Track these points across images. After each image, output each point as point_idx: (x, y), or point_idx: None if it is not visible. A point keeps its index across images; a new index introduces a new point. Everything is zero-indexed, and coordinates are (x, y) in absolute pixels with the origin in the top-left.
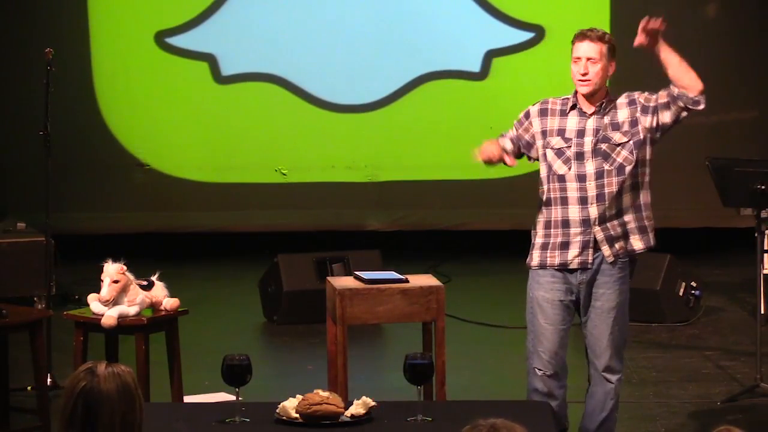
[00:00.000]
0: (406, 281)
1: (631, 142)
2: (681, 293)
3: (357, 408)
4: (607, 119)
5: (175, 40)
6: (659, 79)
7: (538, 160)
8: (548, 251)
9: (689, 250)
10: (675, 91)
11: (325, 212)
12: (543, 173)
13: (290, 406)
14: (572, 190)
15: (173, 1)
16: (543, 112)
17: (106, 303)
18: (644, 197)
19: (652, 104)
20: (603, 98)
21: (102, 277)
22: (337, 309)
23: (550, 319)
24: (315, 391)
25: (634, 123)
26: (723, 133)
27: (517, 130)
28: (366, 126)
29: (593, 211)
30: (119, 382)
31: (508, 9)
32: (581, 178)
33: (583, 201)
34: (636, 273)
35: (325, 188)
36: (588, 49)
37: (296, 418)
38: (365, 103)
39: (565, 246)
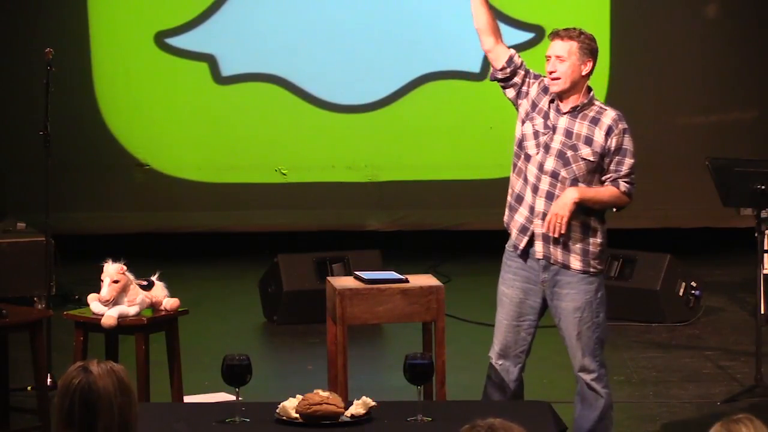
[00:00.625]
0: (406, 281)
1: (594, 164)
2: (681, 293)
3: (357, 408)
4: (582, 129)
5: (175, 41)
6: (659, 79)
7: (510, 99)
8: (514, 214)
9: (689, 250)
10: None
11: (325, 212)
12: (518, 134)
13: (290, 406)
14: (531, 174)
15: (173, 1)
16: (545, 90)
17: (106, 303)
18: (594, 224)
19: (611, 162)
20: (579, 101)
21: (102, 277)
22: (337, 309)
23: (505, 314)
24: (315, 391)
25: (602, 151)
26: (723, 133)
27: (525, 69)
28: (366, 126)
29: (539, 204)
30: (114, 376)
31: (508, 9)
32: (540, 167)
33: (535, 190)
34: (636, 273)
35: (325, 188)
36: (557, 47)
37: (296, 418)
38: (365, 103)
39: (516, 223)
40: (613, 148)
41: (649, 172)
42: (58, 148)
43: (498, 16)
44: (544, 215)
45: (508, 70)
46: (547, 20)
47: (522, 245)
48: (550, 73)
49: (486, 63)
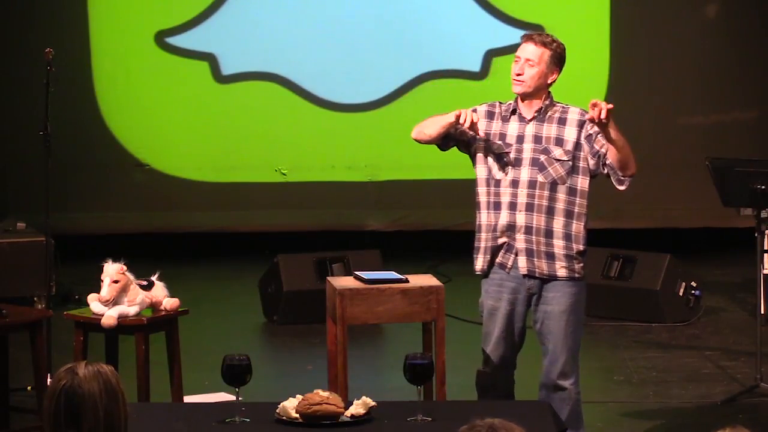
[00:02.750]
0: (406, 281)
1: (570, 163)
2: (681, 293)
3: (357, 408)
4: (552, 130)
5: (175, 40)
6: (659, 79)
7: (468, 154)
8: (489, 255)
9: (689, 250)
10: (609, 161)
11: (325, 212)
12: (482, 175)
13: (290, 406)
14: (505, 195)
15: (173, 1)
16: (489, 115)
17: (106, 303)
18: (577, 228)
19: (596, 145)
20: (542, 104)
21: (102, 277)
22: (337, 309)
23: (496, 327)
24: (315, 391)
25: (578, 146)
26: (723, 133)
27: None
28: (366, 125)
29: (520, 219)
30: (101, 379)
31: (508, 8)
32: (515, 183)
33: (513, 207)
34: (636, 273)
35: (325, 188)
36: (528, 50)
37: (296, 418)
38: (365, 102)
39: (495, 251)
40: (592, 133)
41: (649, 172)
42: (58, 148)
43: (498, 15)
44: (527, 228)
45: (452, 144)
46: (547, 20)
47: (510, 263)
48: (518, 74)
49: (486, 62)
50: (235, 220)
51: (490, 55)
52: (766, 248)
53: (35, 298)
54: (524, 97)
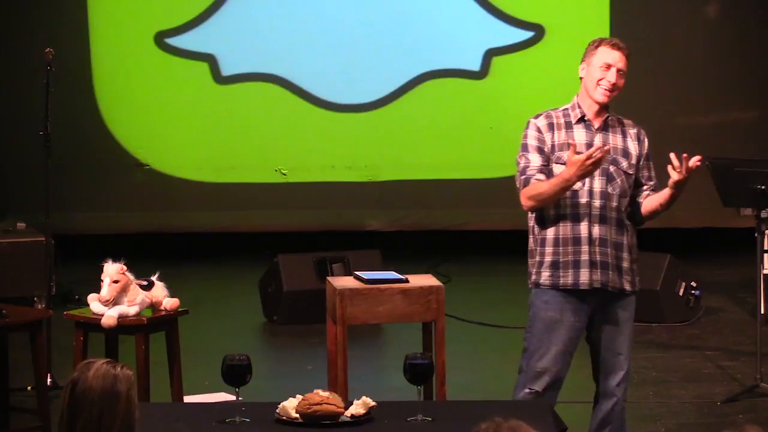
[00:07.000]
0: (406, 281)
1: (633, 176)
2: (681, 293)
3: (357, 408)
4: (618, 141)
5: (175, 41)
6: (659, 79)
7: None
8: (560, 270)
9: (689, 250)
10: (642, 199)
11: (325, 212)
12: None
13: (290, 406)
14: (583, 207)
15: (173, 1)
16: (550, 127)
17: (106, 303)
18: (635, 241)
19: (645, 171)
20: (606, 114)
21: (102, 277)
22: (337, 309)
23: (559, 341)
24: (315, 391)
25: (638, 161)
26: (723, 133)
27: (541, 153)
28: (366, 125)
29: (595, 231)
30: (106, 381)
31: (507, 8)
32: (591, 194)
33: (590, 218)
34: None
35: (325, 188)
36: (621, 61)
37: (296, 418)
38: (365, 102)
39: (576, 265)
40: (644, 154)
41: None
42: (58, 148)
43: (498, 14)
44: (602, 241)
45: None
46: (547, 19)
47: (584, 277)
48: (612, 84)
49: (486, 61)
50: (235, 220)
51: (490, 54)
52: (766, 248)
53: (35, 298)
54: (603, 105)
